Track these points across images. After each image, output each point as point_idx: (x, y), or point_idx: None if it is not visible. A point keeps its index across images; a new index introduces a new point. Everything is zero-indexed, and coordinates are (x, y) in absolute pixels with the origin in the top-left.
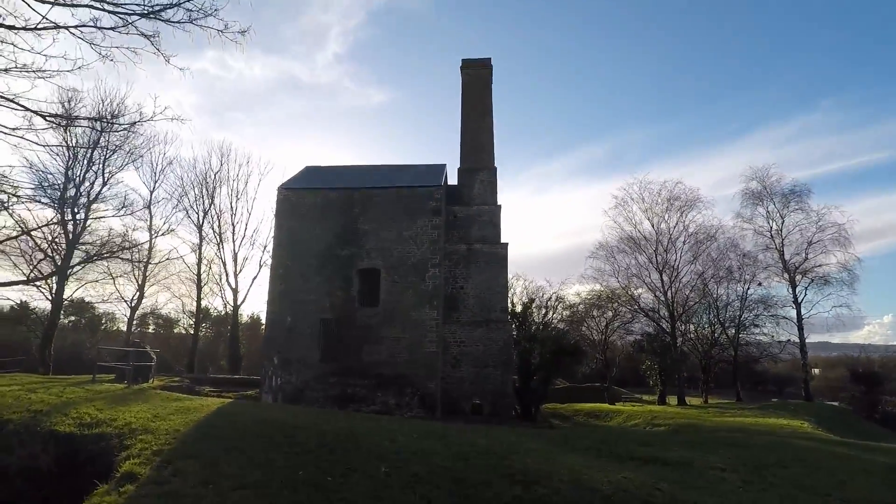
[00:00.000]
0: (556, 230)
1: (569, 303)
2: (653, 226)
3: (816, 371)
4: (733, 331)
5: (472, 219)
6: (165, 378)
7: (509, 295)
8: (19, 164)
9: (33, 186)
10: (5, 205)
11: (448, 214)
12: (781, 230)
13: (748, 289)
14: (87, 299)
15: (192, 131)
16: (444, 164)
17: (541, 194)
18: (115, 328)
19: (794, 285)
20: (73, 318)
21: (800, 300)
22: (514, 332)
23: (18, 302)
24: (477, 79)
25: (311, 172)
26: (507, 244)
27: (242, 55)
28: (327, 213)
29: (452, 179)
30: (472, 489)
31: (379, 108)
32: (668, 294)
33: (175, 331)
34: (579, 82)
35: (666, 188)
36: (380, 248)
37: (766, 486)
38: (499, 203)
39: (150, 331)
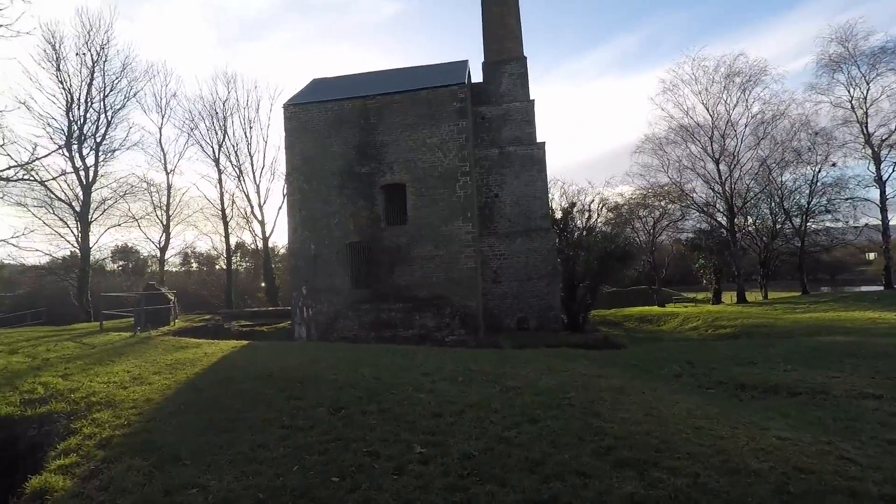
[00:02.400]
0: (592, 132)
1: (613, 203)
2: (708, 110)
3: (872, 256)
4: (799, 220)
5: (502, 118)
6: (195, 317)
7: (548, 200)
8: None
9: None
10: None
11: (475, 116)
12: (866, 99)
13: (819, 171)
14: (129, 244)
15: (195, 63)
16: (466, 61)
17: (571, 95)
18: (167, 269)
19: (878, 161)
20: (121, 262)
21: (885, 178)
22: (556, 240)
23: (69, 254)
24: None
25: (318, 85)
26: (543, 143)
27: None
28: (341, 127)
29: (476, 77)
30: (558, 483)
31: (393, 19)
32: (726, 185)
33: (217, 267)
34: None
35: (724, 63)
36: (402, 160)
37: None
38: (531, 98)
39: (193, 269)
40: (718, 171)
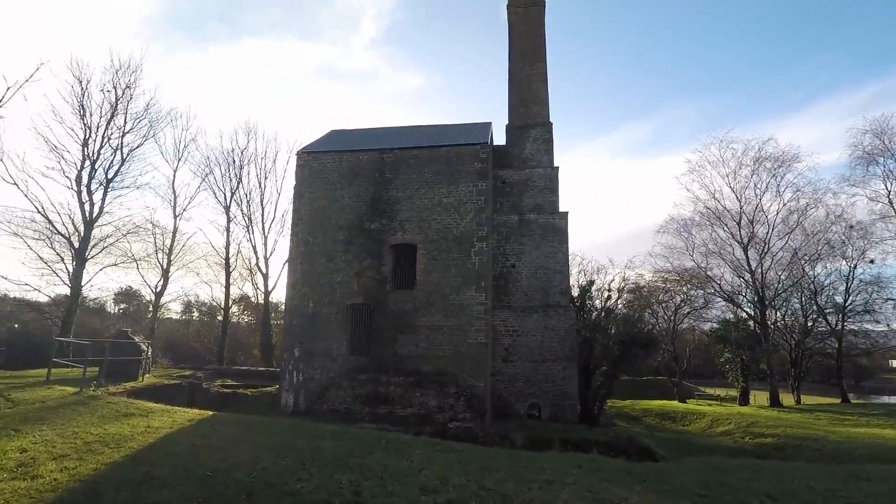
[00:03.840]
0: (605, 214)
1: (633, 284)
2: (735, 194)
3: None
4: (834, 318)
5: (524, 184)
6: (176, 371)
7: (569, 275)
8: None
9: (49, 167)
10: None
11: (496, 180)
12: None
13: (855, 267)
14: (132, 287)
15: (220, 118)
16: (490, 123)
17: (586, 175)
18: (166, 316)
19: None
20: (122, 305)
21: None
22: (575, 319)
23: (65, 295)
24: (527, 18)
25: (336, 136)
26: (566, 213)
27: (278, 44)
28: (354, 179)
29: (499, 140)
30: None
31: (416, 91)
32: (756, 274)
33: (218, 319)
34: (618, 52)
35: (752, 148)
36: (416, 218)
37: None
38: (556, 164)
39: (194, 318)
40: (747, 258)
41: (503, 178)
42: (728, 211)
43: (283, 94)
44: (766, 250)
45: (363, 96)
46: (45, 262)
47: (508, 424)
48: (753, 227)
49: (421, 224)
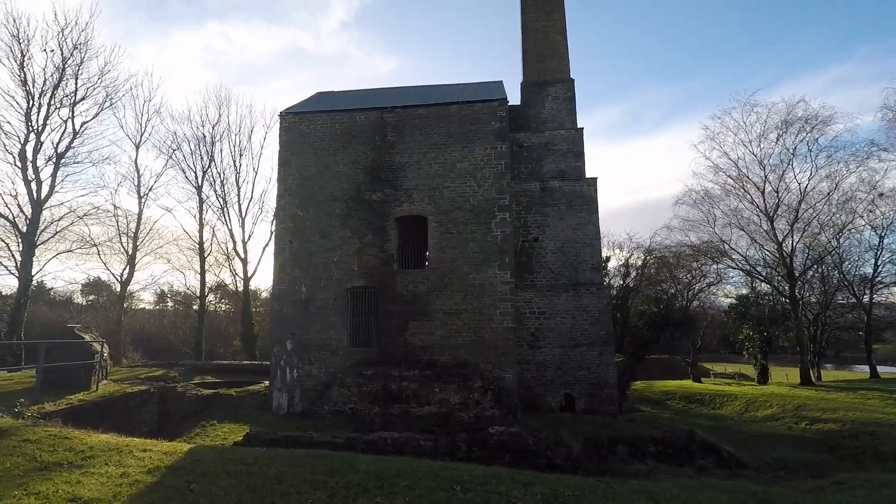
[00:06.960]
0: (615, 188)
1: (659, 258)
2: (759, 161)
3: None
4: (861, 290)
5: (544, 147)
6: (146, 370)
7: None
8: None
9: None
10: None
11: (512, 144)
12: None
13: (884, 236)
14: (101, 276)
15: (184, 97)
16: (501, 81)
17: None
18: (141, 307)
19: None
20: (91, 296)
21: None
22: (611, 298)
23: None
24: None
25: (323, 97)
26: (595, 179)
27: (245, 25)
28: (350, 143)
29: (512, 100)
30: None
31: (389, 75)
32: (784, 246)
33: (194, 308)
34: (592, 38)
35: (777, 112)
36: (425, 186)
37: None
38: (580, 126)
39: (169, 307)
40: (773, 228)
41: (520, 141)
42: (751, 180)
43: (252, 77)
44: (795, 220)
45: (334, 79)
46: None
47: (541, 420)
48: (780, 196)
49: (431, 193)
